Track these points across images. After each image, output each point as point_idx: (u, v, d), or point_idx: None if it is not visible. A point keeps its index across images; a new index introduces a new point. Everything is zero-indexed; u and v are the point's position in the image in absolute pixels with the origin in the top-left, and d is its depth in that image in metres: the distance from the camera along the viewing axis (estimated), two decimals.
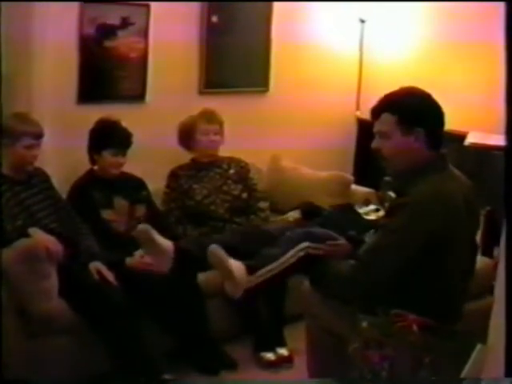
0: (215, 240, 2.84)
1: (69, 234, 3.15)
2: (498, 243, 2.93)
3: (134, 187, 3.57)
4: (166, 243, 2.94)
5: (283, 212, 3.25)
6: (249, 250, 2.71)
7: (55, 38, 3.48)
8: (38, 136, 3.15)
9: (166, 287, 3.09)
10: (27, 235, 2.94)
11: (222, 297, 3.11)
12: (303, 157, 4.46)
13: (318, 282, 2.63)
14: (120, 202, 3.45)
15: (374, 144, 2.46)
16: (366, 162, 4.50)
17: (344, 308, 2.49)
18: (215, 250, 2.58)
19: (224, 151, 3.94)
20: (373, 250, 2.37)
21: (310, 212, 3.10)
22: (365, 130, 4.68)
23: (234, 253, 2.69)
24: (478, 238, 3.92)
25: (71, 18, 3.57)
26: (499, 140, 3.41)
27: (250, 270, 2.55)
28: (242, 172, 3.95)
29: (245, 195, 3.88)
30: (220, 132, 3.87)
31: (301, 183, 4.29)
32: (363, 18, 4.71)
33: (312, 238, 2.60)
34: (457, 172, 2.48)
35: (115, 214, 3.41)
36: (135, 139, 3.52)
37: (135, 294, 3.01)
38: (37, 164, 3.24)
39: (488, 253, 3.75)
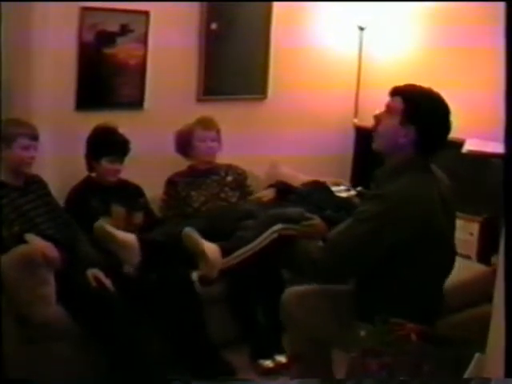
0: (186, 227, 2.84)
1: (66, 241, 3.15)
2: (495, 250, 2.93)
3: (131, 194, 3.57)
4: (128, 236, 2.95)
5: None
6: (222, 232, 2.71)
7: (54, 45, 3.48)
8: (34, 137, 3.16)
9: (164, 294, 3.09)
10: (24, 241, 2.94)
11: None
12: (301, 164, 4.46)
13: (288, 263, 2.64)
14: (117, 209, 3.44)
15: (377, 113, 2.46)
16: (364, 168, 4.50)
17: (342, 317, 2.49)
18: (189, 232, 2.59)
19: (222, 158, 3.94)
20: (341, 235, 2.38)
21: (285, 190, 3.09)
22: (363, 137, 4.69)
23: (210, 237, 2.69)
24: (475, 245, 3.96)
25: (71, 24, 3.58)
26: (497, 147, 3.41)
27: (224, 251, 2.57)
28: (240, 179, 3.95)
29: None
30: (217, 139, 3.87)
31: None
32: (362, 26, 4.72)
33: (285, 219, 2.62)
34: (439, 173, 2.49)
35: (112, 220, 3.39)
36: (133, 146, 3.52)
37: (133, 300, 3.01)
38: (35, 170, 3.25)
39: (485, 260, 3.75)
